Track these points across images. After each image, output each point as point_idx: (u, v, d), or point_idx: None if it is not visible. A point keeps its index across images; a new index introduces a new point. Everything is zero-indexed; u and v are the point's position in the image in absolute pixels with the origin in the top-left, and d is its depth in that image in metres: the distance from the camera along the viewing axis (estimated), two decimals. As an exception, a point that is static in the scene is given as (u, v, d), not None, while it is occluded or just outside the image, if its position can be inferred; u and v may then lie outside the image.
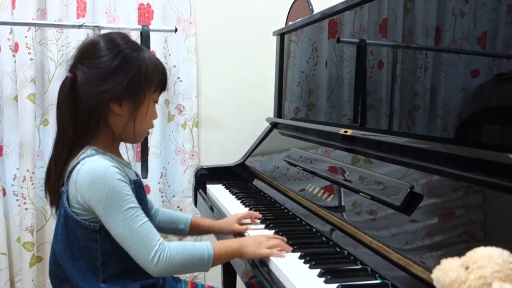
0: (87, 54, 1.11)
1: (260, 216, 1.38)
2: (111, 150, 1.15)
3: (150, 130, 1.22)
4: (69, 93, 1.11)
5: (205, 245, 1.09)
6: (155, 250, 1.03)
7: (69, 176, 1.09)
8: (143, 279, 1.11)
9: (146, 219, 1.07)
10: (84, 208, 1.07)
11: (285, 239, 1.15)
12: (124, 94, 1.09)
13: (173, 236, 2.18)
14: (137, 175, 1.22)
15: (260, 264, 1.11)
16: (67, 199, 1.08)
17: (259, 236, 1.17)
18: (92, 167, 1.06)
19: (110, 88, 1.07)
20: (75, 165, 1.08)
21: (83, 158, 1.08)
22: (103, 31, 2.18)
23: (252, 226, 1.33)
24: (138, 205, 1.07)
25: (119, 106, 1.10)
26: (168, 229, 1.38)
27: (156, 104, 1.20)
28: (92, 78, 1.08)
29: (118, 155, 1.19)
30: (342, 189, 1.29)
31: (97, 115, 1.10)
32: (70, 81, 1.11)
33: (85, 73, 1.08)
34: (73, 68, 1.11)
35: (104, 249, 1.08)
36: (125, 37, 1.14)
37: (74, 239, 1.08)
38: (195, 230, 1.39)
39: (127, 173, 1.13)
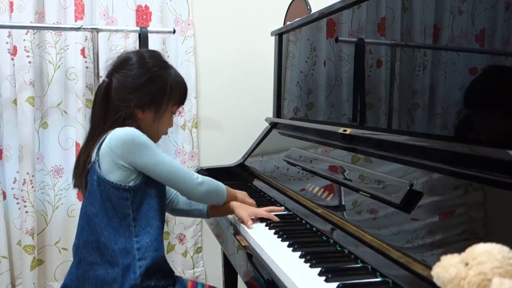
0: (122, 65, 1.31)
1: (281, 209, 1.46)
2: None
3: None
4: (104, 95, 1.30)
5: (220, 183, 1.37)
6: (196, 174, 1.30)
7: (99, 149, 1.23)
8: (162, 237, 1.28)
9: None
10: (119, 167, 1.20)
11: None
12: (147, 104, 1.29)
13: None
14: None
15: (261, 265, 1.11)
16: (99, 167, 1.22)
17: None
18: (122, 129, 1.23)
19: (137, 97, 1.27)
20: (104, 139, 1.23)
21: (109, 132, 1.24)
22: (101, 33, 2.19)
23: (255, 225, 1.33)
24: None
25: (142, 112, 1.29)
26: (188, 210, 1.50)
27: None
28: (124, 86, 1.28)
29: None
30: (342, 188, 1.29)
31: (122, 115, 1.28)
32: (106, 85, 1.30)
33: (119, 81, 1.29)
34: (110, 75, 1.31)
35: (134, 206, 1.22)
36: (154, 56, 1.34)
37: (107, 199, 1.21)
38: (214, 211, 1.46)
39: None
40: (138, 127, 1.28)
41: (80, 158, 1.32)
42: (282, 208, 1.46)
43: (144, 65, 1.29)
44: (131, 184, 1.22)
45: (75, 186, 1.35)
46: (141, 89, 1.27)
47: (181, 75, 1.37)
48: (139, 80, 1.27)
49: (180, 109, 2.40)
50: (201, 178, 1.30)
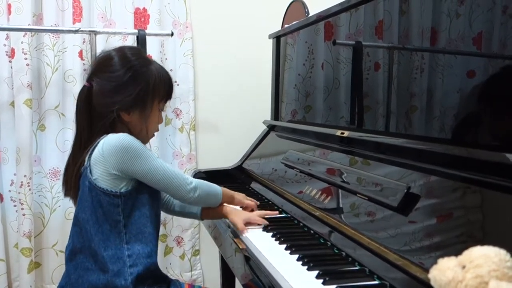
0: (102, 67, 1.25)
1: (276, 213, 1.44)
2: None
3: (155, 133, 1.35)
4: (86, 100, 1.25)
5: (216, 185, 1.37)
6: (190, 179, 1.27)
7: (91, 154, 1.21)
8: (156, 243, 1.27)
9: None
10: (110, 174, 1.18)
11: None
12: (131, 106, 1.23)
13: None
14: None
15: (259, 268, 1.11)
16: (90, 172, 1.20)
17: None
18: (115, 136, 1.20)
19: (119, 100, 1.22)
20: (96, 144, 1.20)
21: (102, 138, 1.21)
22: (99, 36, 2.19)
23: (252, 227, 1.33)
24: None
25: (127, 114, 1.24)
26: (182, 212, 1.49)
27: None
28: (104, 90, 1.23)
29: None
30: (339, 190, 1.29)
31: (108, 121, 1.23)
32: (87, 90, 1.25)
33: (99, 85, 1.23)
34: (90, 79, 1.26)
35: (125, 213, 1.20)
36: (136, 53, 1.28)
37: (99, 206, 1.19)
38: (207, 214, 1.45)
39: None
40: (128, 130, 1.25)
41: (69, 166, 1.29)
42: (277, 212, 1.45)
43: (126, 63, 1.23)
44: (122, 190, 1.19)
45: (65, 194, 1.33)
46: (123, 90, 1.22)
47: (163, 68, 1.31)
48: (120, 81, 1.22)
49: (178, 111, 2.41)
50: (194, 182, 1.28)
